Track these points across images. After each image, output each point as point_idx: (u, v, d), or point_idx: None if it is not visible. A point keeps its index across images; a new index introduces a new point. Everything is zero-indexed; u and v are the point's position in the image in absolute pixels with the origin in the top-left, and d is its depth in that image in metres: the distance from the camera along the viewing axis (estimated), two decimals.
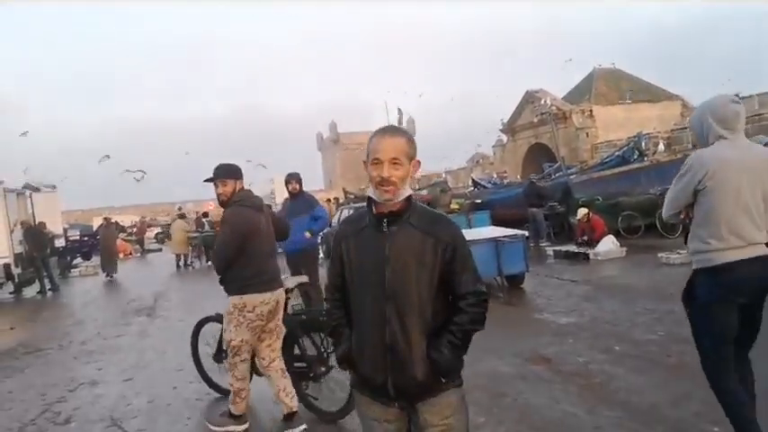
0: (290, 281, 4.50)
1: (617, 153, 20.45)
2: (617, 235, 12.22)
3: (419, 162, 2.04)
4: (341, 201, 23.92)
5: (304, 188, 7.40)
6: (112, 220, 23.18)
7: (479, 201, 17.63)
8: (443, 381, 1.96)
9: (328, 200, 23.81)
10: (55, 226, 15.91)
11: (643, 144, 20.44)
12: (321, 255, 11.72)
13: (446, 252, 1.96)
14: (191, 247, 19.23)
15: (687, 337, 5.31)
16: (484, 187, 23.07)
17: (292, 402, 4.05)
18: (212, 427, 4.20)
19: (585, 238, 12.08)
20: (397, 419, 2.03)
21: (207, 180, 4.04)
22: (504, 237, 8.57)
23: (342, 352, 2.09)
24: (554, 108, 31.72)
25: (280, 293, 4.08)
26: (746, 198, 2.86)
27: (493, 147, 43.12)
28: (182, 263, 18.63)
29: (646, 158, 19.25)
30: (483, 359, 5.02)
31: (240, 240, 3.87)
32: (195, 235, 19.70)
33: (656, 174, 14.76)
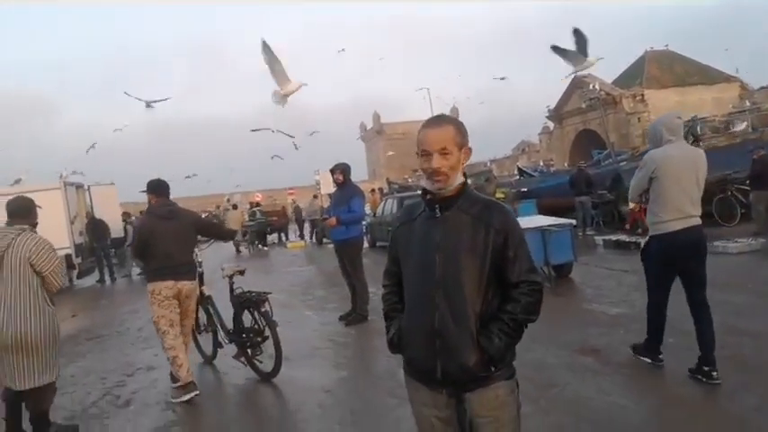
0: (228, 269, 5.67)
1: None
2: None
3: (470, 149, 2.03)
4: (385, 191, 23.99)
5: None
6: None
7: (525, 189, 17.36)
8: (493, 370, 1.94)
9: (372, 190, 23.88)
10: (113, 218, 16.59)
11: (698, 129, 19.57)
12: (366, 245, 11.81)
13: (498, 239, 1.94)
14: (246, 235, 20.75)
15: (743, 328, 5.13)
16: (530, 175, 22.66)
17: (179, 374, 4.81)
18: (171, 399, 4.90)
19: (639, 230, 11.72)
20: (447, 407, 2.02)
21: (142, 191, 5.26)
22: (551, 225, 8.41)
23: (390, 336, 2.13)
24: (603, 93, 30.75)
25: (183, 284, 4.98)
26: (684, 184, 4.08)
27: (539, 134, 42.28)
28: (237, 249, 20.08)
29: (701, 144, 18.45)
30: (530, 349, 4.95)
31: (139, 241, 5.14)
32: (251, 223, 21.30)
33: (711, 159, 14.10)
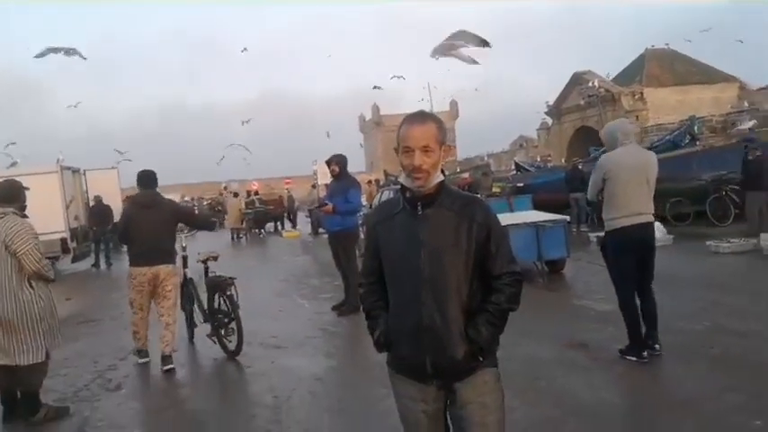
0: (203, 255, 6.13)
1: (667, 137, 19.69)
2: (664, 222, 11.84)
3: (450, 147, 2.07)
4: (381, 183, 23.96)
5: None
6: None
7: (521, 184, 17.35)
8: (481, 359, 1.99)
9: (369, 182, 23.82)
10: (114, 203, 16.51)
11: (696, 128, 19.58)
12: (362, 236, 11.81)
13: (480, 233, 1.97)
14: (243, 222, 21.22)
15: (733, 328, 5.18)
16: (527, 171, 22.64)
17: (166, 348, 5.35)
18: (138, 359, 5.58)
19: None
20: (435, 401, 2.05)
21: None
22: (545, 221, 8.44)
23: (377, 336, 2.12)
24: (602, 90, 30.71)
25: (159, 268, 5.37)
26: (634, 185, 4.40)
27: (537, 130, 42.23)
28: (236, 236, 20.58)
29: (698, 143, 18.49)
30: (520, 343, 4.99)
31: (122, 226, 5.71)
32: (249, 211, 21.68)
33: (708, 159, 14.16)
